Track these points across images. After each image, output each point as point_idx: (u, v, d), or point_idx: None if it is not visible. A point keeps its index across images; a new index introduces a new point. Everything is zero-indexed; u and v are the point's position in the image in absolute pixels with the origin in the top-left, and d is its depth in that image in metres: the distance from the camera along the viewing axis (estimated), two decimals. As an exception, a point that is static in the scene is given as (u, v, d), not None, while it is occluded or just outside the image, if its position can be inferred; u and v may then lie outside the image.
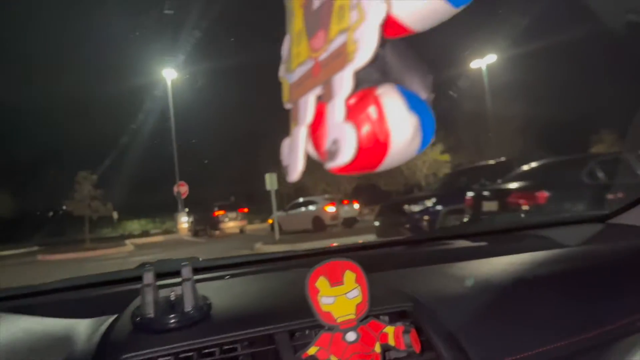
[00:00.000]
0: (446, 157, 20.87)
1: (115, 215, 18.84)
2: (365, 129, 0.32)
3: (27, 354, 0.58)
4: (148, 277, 0.69)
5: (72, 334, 0.71)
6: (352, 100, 0.33)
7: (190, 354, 0.63)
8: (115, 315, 0.77)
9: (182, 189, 15.24)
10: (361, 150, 0.32)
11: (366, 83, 0.34)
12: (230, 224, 16.17)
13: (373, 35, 0.30)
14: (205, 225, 16.30)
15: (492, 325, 0.71)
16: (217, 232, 15.83)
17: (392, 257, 1.21)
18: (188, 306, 0.69)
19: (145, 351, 0.62)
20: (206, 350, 0.64)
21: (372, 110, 0.33)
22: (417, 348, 0.58)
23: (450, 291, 0.80)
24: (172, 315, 0.67)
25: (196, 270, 0.79)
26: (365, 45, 0.30)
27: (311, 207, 13.43)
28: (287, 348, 0.63)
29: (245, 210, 16.92)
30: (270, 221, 14.07)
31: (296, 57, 0.37)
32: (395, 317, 0.66)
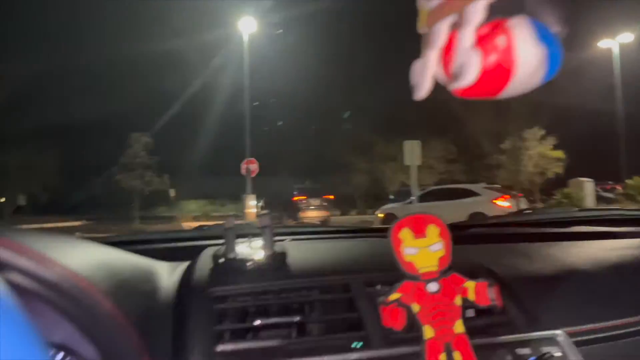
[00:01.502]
0: (559, 153, 19.76)
1: (172, 192, 18.33)
2: (493, 56, 0.40)
3: (127, 281, 0.73)
4: (230, 222, 0.83)
5: (155, 271, 0.85)
6: (485, 30, 0.41)
7: (268, 295, 0.75)
8: (184, 262, 0.92)
9: (252, 166, 14.01)
10: (486, 76, 0.40)
11: (500, 14, 0.42)
12: (313, 212, 15.07)
13: None
14: (280, 211, 15.00)
15: (560, 299, 0.81)
16: (295, 222, 14.68)
17: (463, 236, 1.34)
18: (267, 251, 0.81)
19: (229, 287, 0.75)
20: (282, 294, 0.75)
21: (501, 40, 0.40)
22: (500, 303, 0.65)
23: (520, 266, 0.92)
24: (252, 259, 0.80)
25: None
26: None
27: (468, 199, 10.96)
28: (362, 296, 0.73)
29: (331, 197, 16.08)
30: (381, 215, 12.37)
31: None
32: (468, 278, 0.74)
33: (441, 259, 0.68)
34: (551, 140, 19.77)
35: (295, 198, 15.23)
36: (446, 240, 0.69)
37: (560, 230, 1.35)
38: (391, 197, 18.75)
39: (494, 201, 10.69)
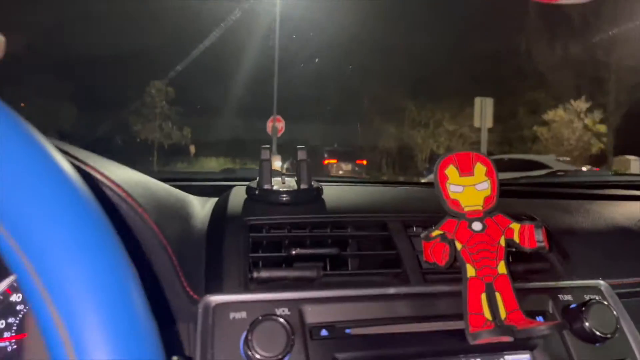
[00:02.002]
0: (603, 128, 19.21)
1: (192, 149, 18.29)
2: None
3: (164, 204, 0.76)
4: (265, 154, 0.84)
5: (189, 200, 0.88)
6: None
7: (303, 228, 0.77)
8: (214, 197, 0.94)
9: (278, 124, 13.47)
10: None
11: None
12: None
13: None
14: None
15: (601, 251, 0.85)
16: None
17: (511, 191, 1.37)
18: (303, 184, 0.83)
19: (264, 217, 0.77)
20: (317, 229, 0.77)
21: None
22: (547, 245, 0.66)
23: (559, 219, 0.94)
24: (288, 190, 0.81)
25: None
26: None
27: (537, 173, 9.11)
28: (401, 234, 0.74)
29: (364, 162, 15.61)
30: None
31: None
32: None
33: (487, 198, 0.68)
34: (597, 114, 19.23)
35: (326, 161, 14.64)
36: (493, 179, 0.70)
37: (595, 192, 1.35)
38: (427, 166, 18.37)
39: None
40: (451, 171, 0.69)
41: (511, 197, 1.15)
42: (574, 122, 19.43)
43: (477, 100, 9.48)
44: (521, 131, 20.78)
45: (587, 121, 19.24)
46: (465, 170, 0.69)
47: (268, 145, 0.87)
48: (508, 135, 21.10)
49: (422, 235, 0.69)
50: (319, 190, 0.85)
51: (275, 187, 0.83)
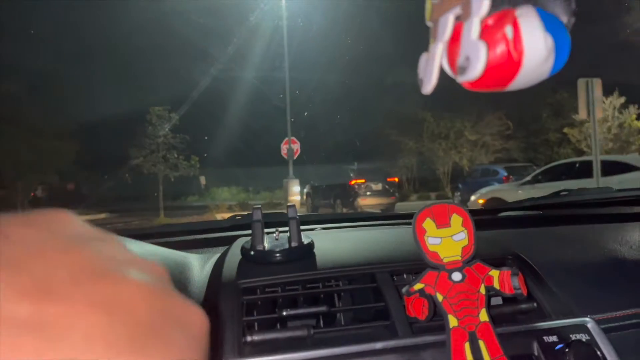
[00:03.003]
0: (641, 123, 18.92)
1: (202, 180, 17.95)
2: (500, 47, 0.45)
3: None
4: (257, 214, 0.93)
5: (188, 263, 0.97)
6: (491, 21, 0.46)
7: (295, 286, 0.85)
8: (217, 253, 1.03)
9: (294, 146, 13.17)
10: (494, 67, 0.45)
11: (506, 4, 0.46)
12: (374, 199, 13.67)
13: None
14: (332, 198, 13.92)
15: (592, 284, 0.90)
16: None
17: (495, 220, 1.45)
18: (294, 242, 0.91)
19: (257, 279, 0.85)
20: (310, 285, 0.85)
21: (508, 30, 0.45)
22: (524, 291, 0.73)
23: (552, 251, 1.00)
24: (279, 250, 0.90)
25: None
26: None
27: (625, 176, 8.18)
28: (388, 286, 0.82)
29: (396, 180, 15.21)
30: (481, 201, 10.22)
31: None
32: (496, 265, 0.81)
33: (464, 248, 0.76)
34: (633, 109, 19.00)
35: (353, 182, 13.97)
36: (469, 229, 0.77)
37: (596, 212, 1.41)
38: (467, 179, 17.81)
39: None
40: (428, 224, 0.77)
41: (510, 227, 1.22)
42: (608, 119, 19.22)
43: (581, 83, 7.59)
44: (546, 135, 20.64)
45: (624, 117, 19.02)
46: (442, 222, 0.77)
47: (259, 205, 0.95)
48: (532, 141, 20.99)
49: (403, 290, 0.76)
50: (310, 246, 0.93)
51: (268, 247, 0.91)
